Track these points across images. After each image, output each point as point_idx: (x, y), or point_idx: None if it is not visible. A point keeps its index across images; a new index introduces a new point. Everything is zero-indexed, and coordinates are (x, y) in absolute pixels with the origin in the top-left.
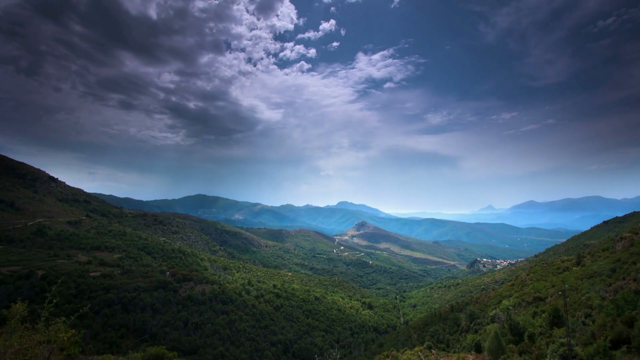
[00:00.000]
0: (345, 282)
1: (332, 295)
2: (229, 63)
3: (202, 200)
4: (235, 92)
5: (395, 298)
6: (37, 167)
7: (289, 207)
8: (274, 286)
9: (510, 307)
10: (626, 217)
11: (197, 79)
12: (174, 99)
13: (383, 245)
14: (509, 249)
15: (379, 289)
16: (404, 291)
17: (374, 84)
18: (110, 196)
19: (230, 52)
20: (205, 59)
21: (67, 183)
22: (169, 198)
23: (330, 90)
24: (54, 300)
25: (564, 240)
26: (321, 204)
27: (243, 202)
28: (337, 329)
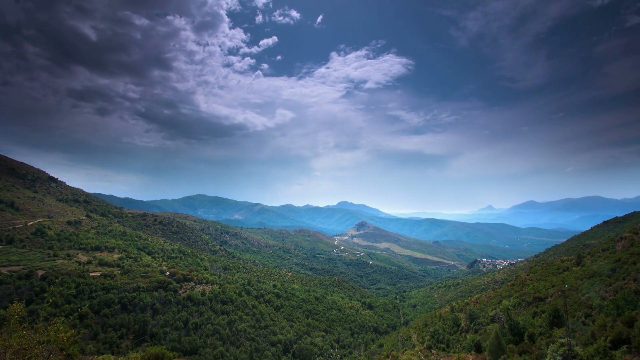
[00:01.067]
0: (345, 282)
1: (332, 296)
2: (184, 75)
3: (202, 200)
4: (199, 100)
5: (396, 298)
6: (34, 166)
7: (289, 207)
8: (274, 286)
9: (510, 307)
10: (626, 217)
11: (155, 90)
12: (139, 107)
13: (383, 245)
14: (509, 249)
15: (379, 289)
16: (404, 291)
17: (353, 84)
18: (110, 196)
19: (187, 64)
20: (156, 72)
21: (67, 183)
22: (169, 198)
23: (309, 90)
24: (51, 300)
25: (564, 240)
26: (321, 204)
27: (243, 202)
28: (337, 329)
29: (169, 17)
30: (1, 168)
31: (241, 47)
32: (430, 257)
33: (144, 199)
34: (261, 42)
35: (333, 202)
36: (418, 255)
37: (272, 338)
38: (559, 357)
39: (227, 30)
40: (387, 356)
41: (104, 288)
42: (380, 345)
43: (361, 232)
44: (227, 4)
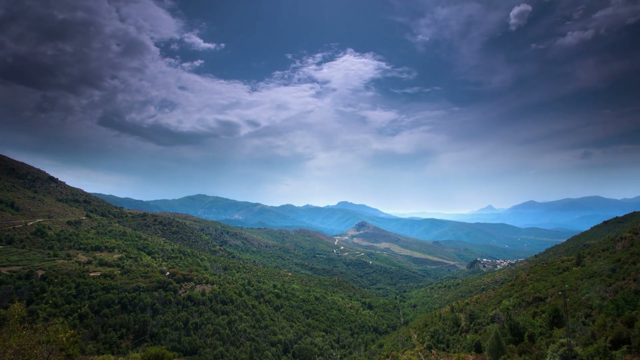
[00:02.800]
0: (345, 282)
1: (332, 296)
2: (125, 89)
3: (202, 201)
4: (151, 110)
5: (396, 298)
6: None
7: (288, 207)
8: (274, 286)
9: (510, 307)
10: (626, 217)
11: (100, 103)
12: (95, 117)
13: (383, 245)
14: (509, 249)
15: (379, 289)
16: (404, 291)
17: (318, 84)
18: (110, 196)
19: (130, 80)
20: (91, 90)
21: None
22: (169, 198)
23: (272, 92)
24: (51, 301)
25: (564, 240)
26: (321, 204)
27: (243, 202)
28: (337, 329)
29: (85, 50)
30: (1, 168)
31: (181, 63)
32: (430, 257)
33: (144, 199)
34: (196, 62)
35: (333, 202)
36: (418, 255)
37: (272, 338)
38: (559, 357)
39: (157, 54)
40: (387, 356)
41: (104, 288)
42: (380, 345)
43: (361, 232)
44: (151, 38)
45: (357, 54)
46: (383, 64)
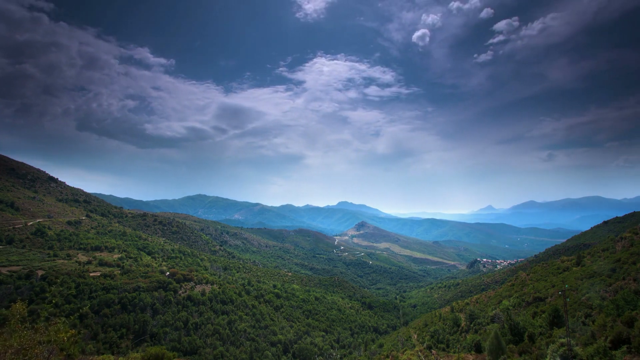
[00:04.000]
0: (345, 282)
1: (332, 296)
2: (93, 98)
3: (202, 201)
4: (129, 116)
5: (395, 298)
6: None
7: (289, 207)
8: (274, 286)
9: (510, 307)
10: (626, 217)
11: (71, 111)
12: (75, 122)
13: (383, 245)
14: (509, 249)
15: (379, 289)
16: (404, 291)
17: (293, 84)
18: (110, 196)
19: (112, 91)
20: (57, 99)
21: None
22: (169, 198)
23: (248, 93)
24: (54, 301)
25: (564, 240)
26: (321, 204)
27: (243, 202)
28: (337, 329)
29: (48, 66)
30: (1, 168)
31: (143, 72)
32: (430, 257)
33: (144, 199)
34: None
35: (333, 202)
36: (418, 255)
37: (272, 338)
38: (558, 357)
39: (122, 69)
40: (387, 356)
41: (104, 288)
42: (380, 345)
43: (361, 232)
44: (113, 56)
45: (329, 56)
46: (356, 64)
